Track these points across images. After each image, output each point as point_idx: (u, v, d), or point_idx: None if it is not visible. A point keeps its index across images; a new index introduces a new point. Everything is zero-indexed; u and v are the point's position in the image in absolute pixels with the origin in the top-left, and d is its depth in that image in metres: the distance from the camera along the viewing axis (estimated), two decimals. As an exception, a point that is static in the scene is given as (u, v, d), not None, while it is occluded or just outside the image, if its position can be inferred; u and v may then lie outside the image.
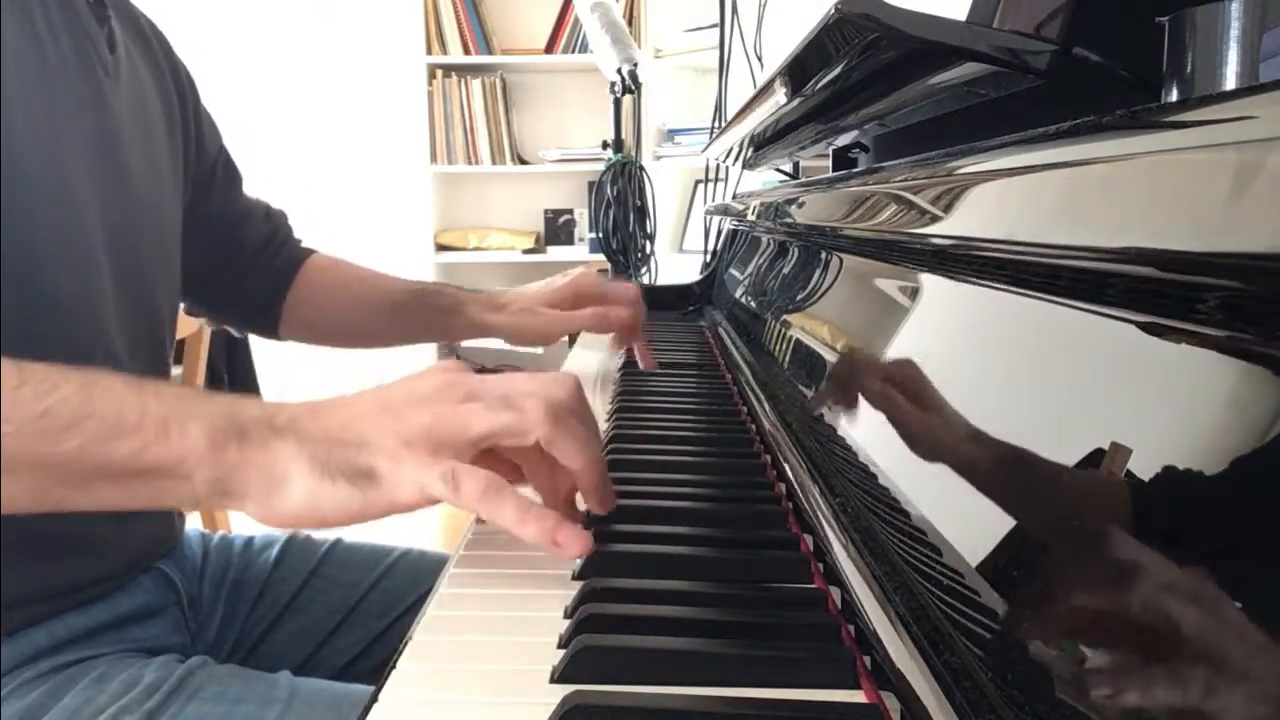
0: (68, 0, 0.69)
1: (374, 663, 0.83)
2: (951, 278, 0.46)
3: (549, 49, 3.34)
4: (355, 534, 0.92)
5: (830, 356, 0.64)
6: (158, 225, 0.78)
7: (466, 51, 3.32)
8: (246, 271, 0.94)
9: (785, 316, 0.82)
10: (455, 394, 0.49)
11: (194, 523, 1.69)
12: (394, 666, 0.41)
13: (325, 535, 0.91)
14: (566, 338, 1.12)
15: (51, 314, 0.64)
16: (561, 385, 0.50)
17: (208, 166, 0.90)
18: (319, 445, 0.46)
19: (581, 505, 0.55)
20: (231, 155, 0.94)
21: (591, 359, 1.19)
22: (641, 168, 1.76)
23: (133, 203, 0.73)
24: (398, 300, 0.97)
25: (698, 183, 2.85)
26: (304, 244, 1.01)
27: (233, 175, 0.94)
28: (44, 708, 0.62)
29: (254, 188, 0.98)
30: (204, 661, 0.67)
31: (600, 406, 0.88)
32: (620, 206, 1.74)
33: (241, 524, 2.05)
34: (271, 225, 0.97)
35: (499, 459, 0.52)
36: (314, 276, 0.99)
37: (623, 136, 1.80)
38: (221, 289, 0.94)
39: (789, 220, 0.90)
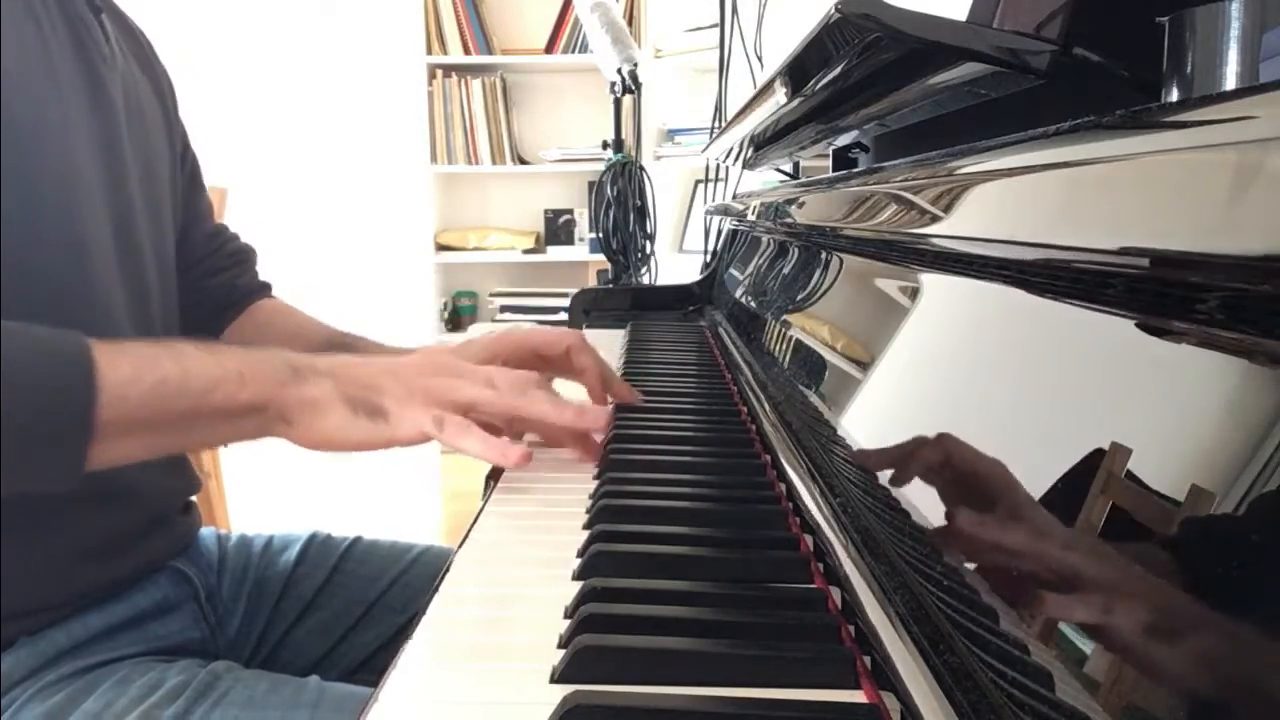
0: None
1: (394, 658, 0.83)
2: (951, 277, 0.46)
3: (549, 49, 3.34)
4: (374, 532, 0.93)
5: (830, 356, 0.64)
6: (157, 222, 0.78)
7: (466, 51, 3.32)
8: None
9: (785, 317, 0.82)
10: (448, 371, 0.64)
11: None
12: (394, 666, 0.41)
13: (345, 533, 0.91)
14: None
15: (54, 299, 0.64)
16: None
17: (186, 171, 0.89)
18: (349, 386, 0.60)
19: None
20: (197, 163, 0.91)
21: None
22: (641, 168, 1.76)
23: (130, 199, 0.73)
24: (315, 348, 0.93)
25: (698, 183, 2.85)
26: (265, 285, 0.96)
27: (195, 181, 0.92)
28: (65, 712, 0.62)
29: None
30: (229, 666, 0.67)
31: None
32: (620, 206, 1.74)
33: (242, 524, 2.05)
34: (216, 244, 0.93)
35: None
36: (260, 318, 0.94)
37: (623, 136, 1.80)
38: None
39: (789, 220, 0.90)
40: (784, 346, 0.79)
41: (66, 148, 0.66)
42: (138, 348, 0.57)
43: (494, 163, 3.36)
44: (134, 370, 0.54)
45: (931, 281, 0.49)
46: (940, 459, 0.41)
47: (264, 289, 0.96)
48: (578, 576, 0.50)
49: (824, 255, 0.76)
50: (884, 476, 0.46)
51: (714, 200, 1.93)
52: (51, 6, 0.67)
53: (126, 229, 0.72)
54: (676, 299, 1.57)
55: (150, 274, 0.77)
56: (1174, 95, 0.39)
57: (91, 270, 0.68)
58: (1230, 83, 0.37)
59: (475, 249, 3.41)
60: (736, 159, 1.53)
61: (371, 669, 0.83)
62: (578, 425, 0.68)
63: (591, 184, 2.26)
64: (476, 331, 3.22)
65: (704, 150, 1.63)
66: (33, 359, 0.52)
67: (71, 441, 0.52)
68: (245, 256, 0.96)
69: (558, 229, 3.45)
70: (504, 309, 3.43)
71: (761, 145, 1.22)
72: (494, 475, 0.70)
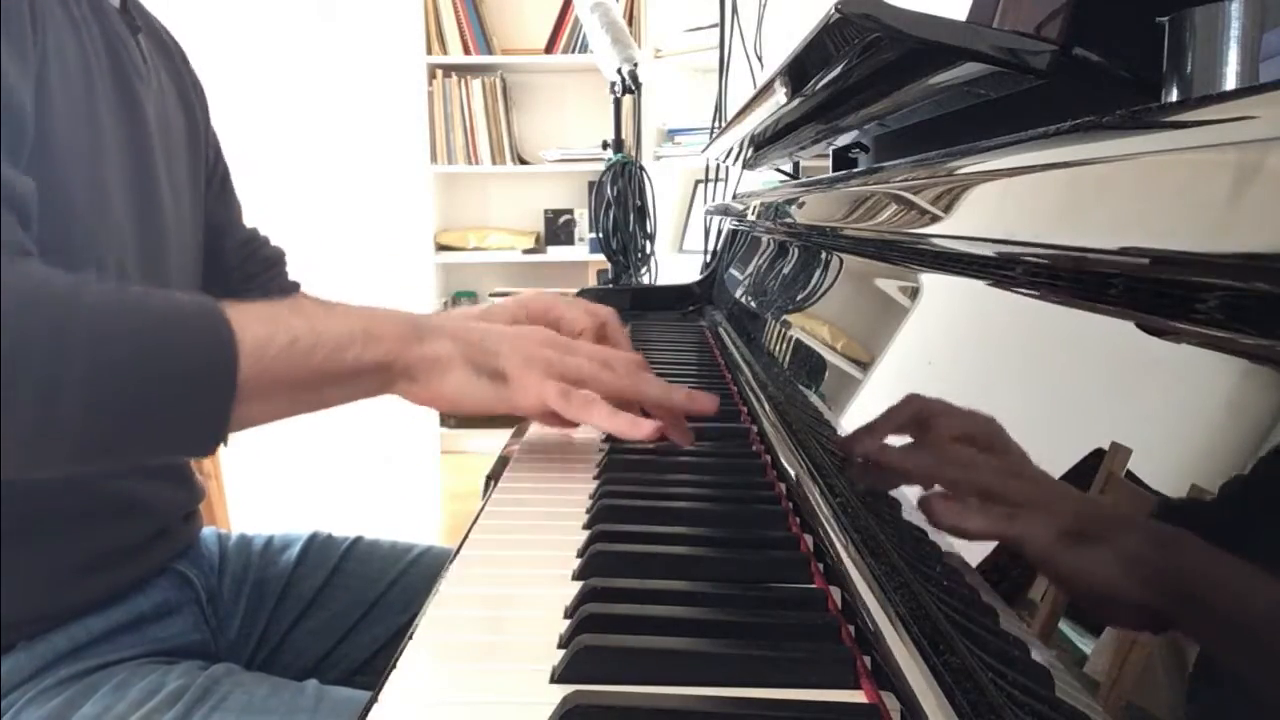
0: (99, 4, 0.69)
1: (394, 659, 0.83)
2: (951, 277, 0.46)
3: (549, 49, 3.34)
4: (374, 532, 0.93)
5: (830, 356, 0.64)
6: (179, 242, 0.77)
7: (466, 51, 3.32)
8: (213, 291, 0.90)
9: (785, 316, 0.82)
10: (562, 345, 0.66)
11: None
12: (394, 666, 0.41)
13: (346, 533, 0.91)
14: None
15: None
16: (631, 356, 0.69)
17: (207, 174, 0.89)
18: (470, 347, 0.61)
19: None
20: (228, 171, 0.92)
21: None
22: (641, 168, 1.76)
23: (161, 218, 0.73)
24: None
25: (698, 183, 2.85)
26: (297, 285, 0.97)
27: (226, 189, 0.92)
28: (64, 716, 0.61)
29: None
30: (229, 670, 0.67)
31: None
32: (620, 206, 1.73)
33: (242, 524, 2.05)
34: (249, 250, 0.93)
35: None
36: None
37: (623, 136, 1.80)
38: None
39: (789, 220, 0.90)
40: (784, 346, 0.79)
41: (99, 165, 0.65)
42: (265, 309, 0.57)
43: (494, 163, 3.35)
44: (268, 331, 0.54)
45: (931, 281, 0.49)
46: (939, 458, 0.41)
47: (295, 289, 0.97)
48: (578, 576, 0.50)
49: (824, 255, 0.76)
50: (884, 476, 0.46)
51: (714, 200, 1.93)
52: (92, 23, 0.67)
53: (155, 249, 0.72)
54: (676, 299, 1.57)
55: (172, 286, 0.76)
56: (1174, 95, 0.39)
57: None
58: (1230, 83, 0.37)
59: (475, 249, 3.41)
60: (736, 159, 1.53)
61: (372, 669, 0.82)
62: (690, 409, 0.68)
63: (591, 184, 2.26)
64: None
65: (704, 150, 1.63)
66: (173, 323, 0.52)
67: (217, 402, 0.52)
68: (278, 259, 0.97)
69: (558, 229, 3.45)
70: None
71: (761, 145, 1.22)
72: (494, 475, 0.70)
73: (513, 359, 0.62)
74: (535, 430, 0.83)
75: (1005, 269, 0.39)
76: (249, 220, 0.97)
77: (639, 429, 0.62)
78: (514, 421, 0.86)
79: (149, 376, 0.50)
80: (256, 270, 0.93)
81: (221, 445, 0.55)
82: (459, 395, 0.61)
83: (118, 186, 0.68)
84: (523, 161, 3.40)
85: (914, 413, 0.45)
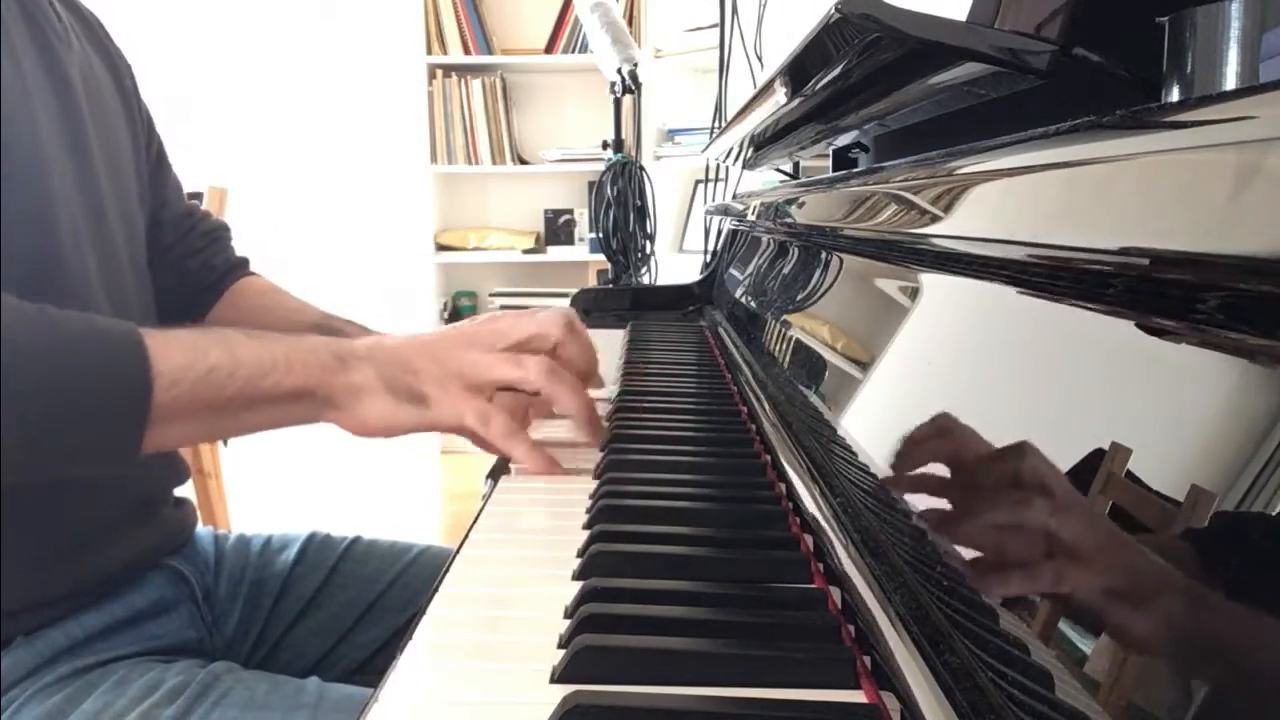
0: None
1: (394, 659, 0.83)
2: (951, 277, 0.46)
3: (549, 49, 3.34)
4: (374, 532, 0.93)
5: (830, 356, 0.64)
6: (121, 209, 0.76)
7: (466, 51, 3.32)
8: (154, 267, 0.86)
9: (785, 316, 0.82)
10: (480, 343, 0.64)
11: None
12: (394, 666, 0.41)
13: (344, 533, 0.91)
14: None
15: (28, 281, 0.63)
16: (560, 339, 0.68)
17: (151, 154, 0.87)
18: (387, 369, 0.61)
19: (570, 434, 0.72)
20: (163, 144, 0.90)
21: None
22: (641, 168, 1.76)
23: (95, 179, 0.72)
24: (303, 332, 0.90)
25: (698, 183, 2.85)
26: (242, 261, 0.95)
27: (163, 162, 0.90)
28: (64, 712, 0.61)
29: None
30: (229, 667, 0.67)
31: (601, 407, 0.88)
32: (620, 206, 1.73)
33: (242, 524, 2.05)
34: (188, 224, 0.91)
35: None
36: (244, 301, 0.93)
37: (623, 136, 1.80)
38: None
39: (789, 220, 0.90)
40: (784, 346, 0.79)
41: (32, 129, 0.64)
42: (187, 335, 0.58)
43: (494, 163, 3.35)
44: (186, 358, 0.56)
45: (931, 281, 0.49)
46: (940, 459, 0.41)
47: (242, 265, 0.95)
48: (578, 576, 0.50)
49: (824, 255, 0.76)
50: (884, 476, 0.46)
51: (714, 200, 1.93)
52: None
53: (96, 212, 0.71)
54: (676, 299, 1.57)
55: (122, 256, 0.75)
56: (1174, 95, 0.39)
57: (62, 252, 0.67)
58: (1230, 83, 0.37)
59: (475, 249, 3.41)
60: (736, 159, 1.53)
61: (371, 669, 0.82)
62: (593, 417, 0.70)
63: (591, 184, 2.26)
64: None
65: (704, 150, 1.63)
66: (88, 346, 0.54)
67: (129, 426, 0.54)
68: (220, 234, 0.95)
69: (558, 229, 3.45)
70: (504, 309, 3.42)
71: (761, 145, 1.22)
72: (494, 475, 0.70)
73: (432, 374, 0.62)
74: (535, 431, 0.83)
75: (1005, 269, 0.39)
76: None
77: (551, 467, 0.66)
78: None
79: (66, 395, 0.52)
80: (199, 245, 0.92)
81: (136, 459, 0.56)
82: (383, 423, 0.61)
83: (51, 147, 0.67)
84: (523, 161, 3.40)
85: (913, 414, 0.45)
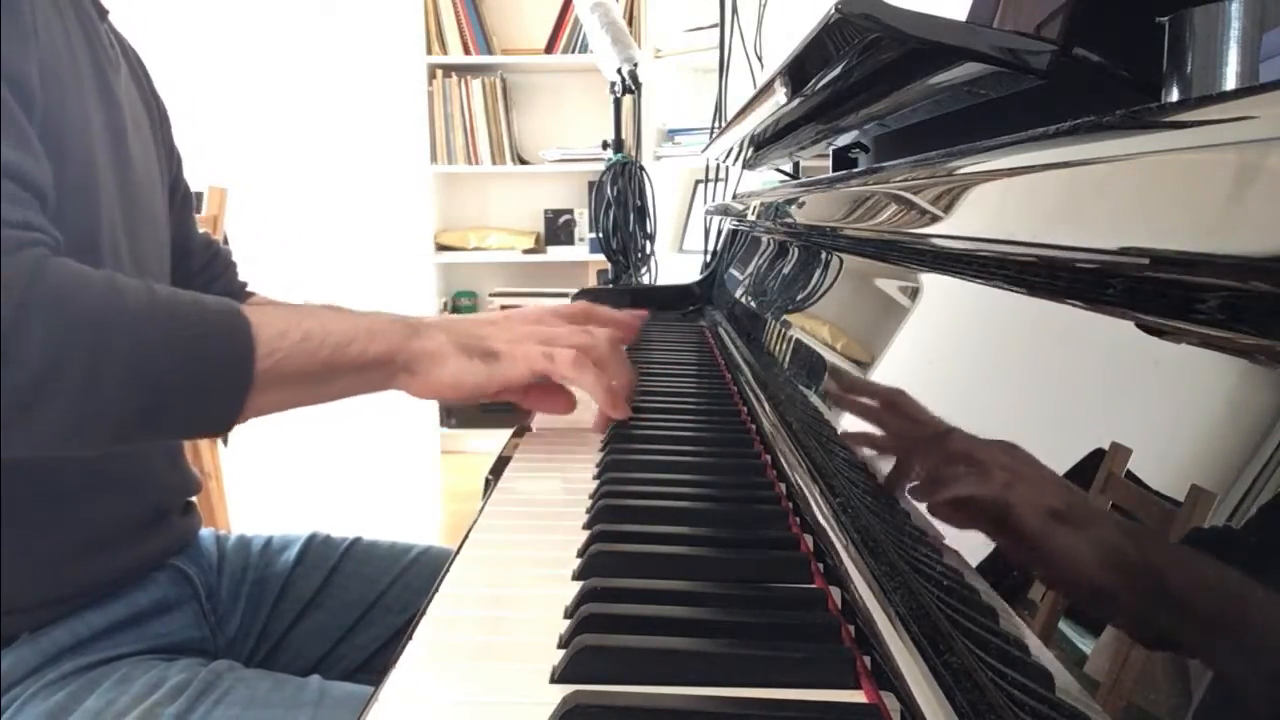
0: None
1: (394, 658, 0.83)
2: (951, 278, 0.46)
3: (549, 49, 3.34)
4: (374, 532, 0.93)
5: (830, 356, 0.64)
6: (152, 231, 0.78)
7: (466, 51, 3.32)
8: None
9: (785, 316, 0.82)
10: (543, 320, 0.73)
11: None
12: (394, 666, 0.41)
13: (344, 534, 0.91)
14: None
15: None
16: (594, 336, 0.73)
17: (172, 182, 0.90)
18: (460, 335, 0.67)
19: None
20: (188, 184, 0.94)
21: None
22: (641, 168, 1.76)
23: (135, 197, 0.74)
24: None
25: (698, 183, 2.85)
26: (245, 284, 1.00)
27: (187, 199, 0.94)
28: (67, 710, 0.62)
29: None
30: (231, 666, 0.67)
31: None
32: (620, 206, 1.73)
33: (242, 524, 2.05)
34: (212, 252, 0.96)
35: None
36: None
37: (623, 136, 1.80)
38: None
39: (789, 220, 0.90)
40: (784, 346, 0.79)
41: (87, 142, 0.66)
42: (278, 308, 0.63)
43: (494, 163, 3.35)
44: (282, 326, 0.60)
45: (931, 282, 0.49)
46: (940, 459, 0.41)
47: (243, 288, 0.99)
48: (578, 576, 0.50)
49: (824, 255, 0.76)
50: (884, 476, 0.46)
51: (714, 200, 1.93)
52: (68, 9, 0.68)
53: (133, 231, 0.73)
54: (676, 299, 1.57)
55: (153, 271, 0.77)
56: (1174, 95, 0.39)
57: (106, 264, 0.68)
58: (1230, 83, 0.37)
59: (475, 249, 3.41)
60: (736, 159, 1.53)
61: (371, 670, 0.83)
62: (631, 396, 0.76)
63: (591, 184, 2.26)
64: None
65: (704, 150, 1.63)
66: (192, 316, 0.57)
67: (233, 392, 0.57)
68: (231, 262, 1.00)
69: (558, 229, 3.45)
70: (504, 309, 3.42)
71: (761, 145, 1.22)
72: (494, 474, 0.70)
73: (501, 336, 0.69)
74: (536, 430, 0.83)
75: (1005, 269, 0.39)
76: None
77: (616, 406, 0.71)
78: (514, 421, 0.86)
79: (177, 364, 0.55)
80: (219, 271, 0.96)
81: (234, 428, 0.60)
82: (456, 379, 0.66)
83: (103, 162, 0.68)
84: (523, 161, 3.40)
85: (913, 414, 0.45)
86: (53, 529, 0.66)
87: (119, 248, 0.70)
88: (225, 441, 1.97)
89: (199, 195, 1.83)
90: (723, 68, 1.75)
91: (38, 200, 0.57)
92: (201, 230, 0.97)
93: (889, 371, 0.51)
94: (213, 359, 0.57)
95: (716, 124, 1.82)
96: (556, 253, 3.42)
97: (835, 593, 0.46)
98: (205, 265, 0.94)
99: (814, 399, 0.63)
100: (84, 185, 0.65)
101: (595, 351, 0.70)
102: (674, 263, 2.70)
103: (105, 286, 0.54)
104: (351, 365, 0.63)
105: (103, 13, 0.74)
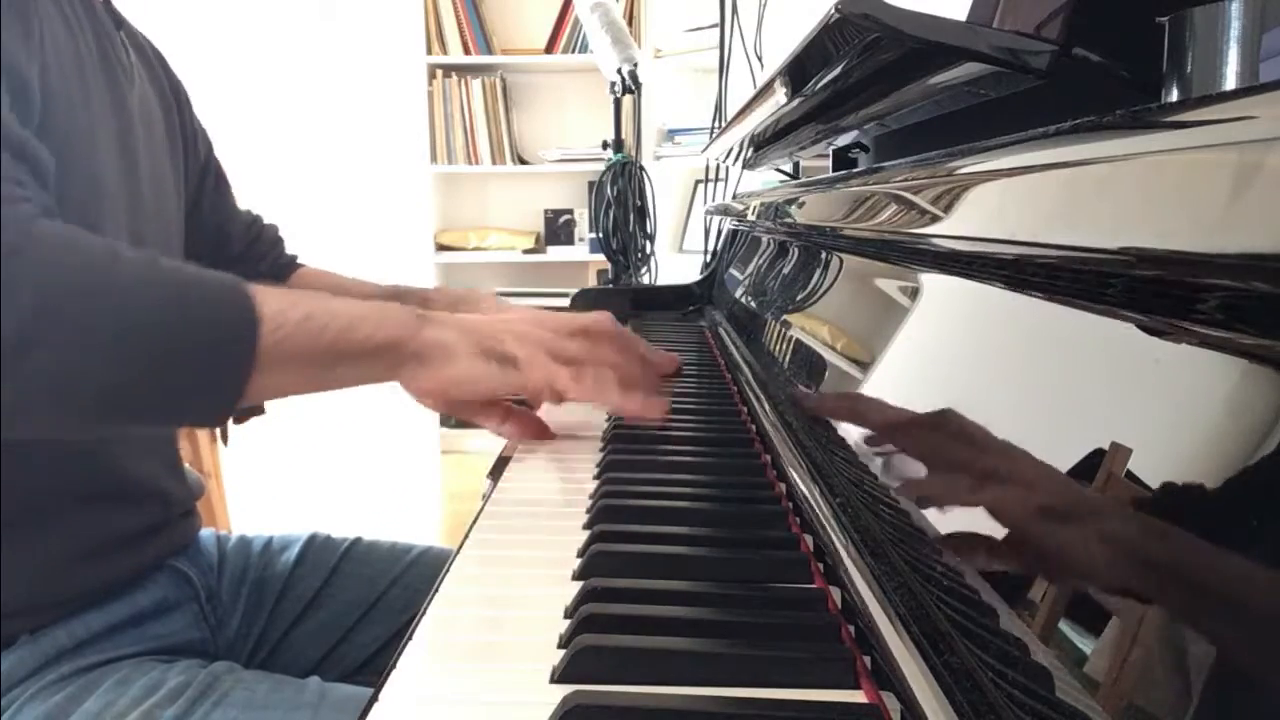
0: (88, 1, 0.70)
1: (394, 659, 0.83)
2: (951, 277, 0.46)
3: (549, 49, 3.33)
4: (374, 532, 0.93)
5: (831, 356, 0.64)
6: (164, 233, 0.78)
7: (466, 51, 3.31)
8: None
9: (785, 316, 0.82)
10: (549, 327, 0.68)
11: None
12: (394, 666, 0.41)
13: (345, 534, 0.91)
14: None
15: None
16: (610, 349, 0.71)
17: (198, 171, 0.91)
18: (474, 335, 0.64)
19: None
20: (220, 163, 0.95)
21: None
22: (641, 168, 1.76)
23: (143, 209, 0.74)
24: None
25: (698, 183, 2.85)
26: (295, 257, 1.02)
27: (222, 181, 0.95)
28: (66, 712, 0.62)
29: (254, 188, 0.98)
30: (230, 667, 0.67)
31: (599, 412, 0.88)
32: (620, 206, 1.73)
33: (242, 524, 2.05)
34: (254, 233, 0.98)
35: None
36: (313, 285, 0.99)
37: (623, 136, 1.80)
38: None
39: (789, 220, 0.90)
40: (784, 346, 0.78)
41: (93, 155, 0.66)
42: (280, 290, 0.59)
43: (494, 163, 3.35)
44: (284, 303, 0.57)
45: (931, 281, 0.49)
46: (940, 458, 0.41)
47: (293, 261, 1.01)
48: (578, 576, 0.50)
49: (824, 255, 0.76)
50: (884, 476, 0.46)
51: (714, 200, 1.93)
52: (82, 16, 0.68)
53: (140, 242, 0.73)
54: (676, 299, 1.57)
55: None
56: (1174, 95, 0.39)
57: None
58: (1230, 83, 0.37)
59: (475, 249, 3.41)
60: (736, 159, 1.53)
61: (371, 669, 0.83)
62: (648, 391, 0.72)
63: (591, 184, 2.26)
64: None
65: (704, 150, 1.63)
66: (196, 289, 0.54)
67: (236, 367, 0.54)
68: (278, 236, 1.01)
69: (558, 229, 3.44)
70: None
71: (761, 145, 1.22)
72: (494, 474, 0.70)
73: (517, 344, 0.65)
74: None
75: (1005, 269, 0.39)
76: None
77: (649, 409, 0.68)
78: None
79: (174, 336, 0.52)
80: (265, 250, 0.97)
81: (230, 415, 0.56)
82: (468, 379, 0.63)
83: (110, 174, 0.68)
84: (523, 161, 3.40)
85: (913, 414, 0.45)
86: (53, 539, 0.66)
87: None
88: (225, 441, 1.96)
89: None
90: (723, 68, 1.75)
91: (35, 176, 0.55)
92: (245, 210, 0.98)
93: (889, 371, 0.51)
94: (216, 331, 0.54)
95: (716, 124, 1.82)
96: (556, 253, 3.42)
97: (835, 593, 0.46)
98: (246, 249, 0.95)
99: (814, 399, 0.63)
100: (89, 197, 0.65)
101: (622, 370, 0.68)
102: (674, 263, 2.70)
103: (103, 245, 0.52)
104: (358, 350, 0.60)
105: (119, 21, 0.75)
